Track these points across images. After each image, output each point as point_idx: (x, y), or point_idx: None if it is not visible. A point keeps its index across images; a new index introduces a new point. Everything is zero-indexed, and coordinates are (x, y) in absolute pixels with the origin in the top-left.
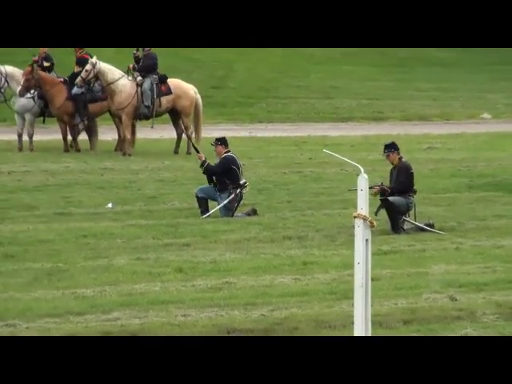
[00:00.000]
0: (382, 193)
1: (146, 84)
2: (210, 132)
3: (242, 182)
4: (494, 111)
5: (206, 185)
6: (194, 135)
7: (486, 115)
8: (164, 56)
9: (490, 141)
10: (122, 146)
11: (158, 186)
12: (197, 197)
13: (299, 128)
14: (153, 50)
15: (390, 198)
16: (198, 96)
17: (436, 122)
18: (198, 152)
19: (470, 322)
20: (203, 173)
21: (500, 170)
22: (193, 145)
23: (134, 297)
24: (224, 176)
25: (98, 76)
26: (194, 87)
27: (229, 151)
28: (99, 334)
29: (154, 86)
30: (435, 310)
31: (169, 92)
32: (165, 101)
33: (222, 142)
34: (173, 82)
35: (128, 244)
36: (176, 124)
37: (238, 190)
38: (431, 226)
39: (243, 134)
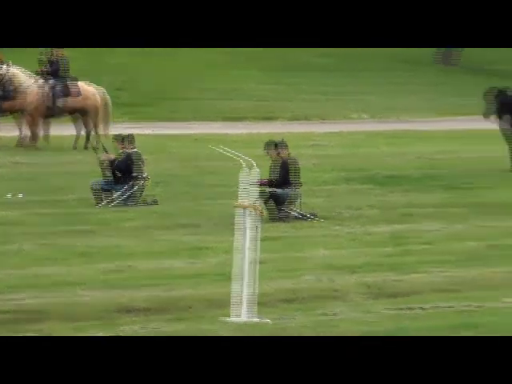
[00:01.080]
0: (270, 184)
1: (57, 86)
2: (117, 130)
3: (144, 176)
4: (370, 112)
5: (104, 177)
6: (102, 133)
7: (364, 115)
8: (75, 59)
9: (366, 139)
10: (24, 142)
11: (68, 178)
12: (92, 189)
13: (198, 126)
14: (65, 53)
15: (277, 190)
16: (108, 97)
17: (319, 122)
18: (106, 152)
19: (344, 301)
20: (111, 171)
21: (373, 165)
22: (102, 145)
23: (40, 279)
24: (128, 170)
25: (11, 78)
26: (103, 89)
27: (134, 147)
28: (4, 314)
29: (63, 87)
30: (314, 290)
31: (78, 93)
32: (74, 101)
33: (128, 139)
34: (82, 84)
35: (35, 230)
36: (85, 123)
37: (141, 182)
38: (313, 215)
39: (146, 131)
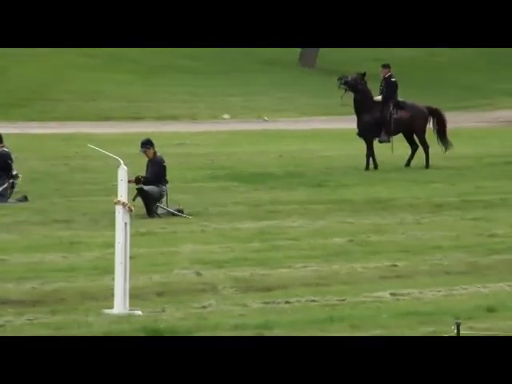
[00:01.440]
0: (138, 181)
1: None
2: None
3: (14, 173)
4: (233, 112)
5: None
6: None
7: (225, 116)
8: None
9: (230, 138)
10: None
11: None
12: None
13: (67, 126)
14: None
15: (145, 187)
16: None
17: (185, 122)
18: None
19: (213, 295)
20: None
21: (238, 163)
22: None
23: None
24: (6, 168)
25: None
26: None
27: (3, 146)
28: None
29: None
30: (184, 283)
31: None
32: None
33: None
34: None
35: None
36: None
37: (11, 180)
38: (181, 211)
39: (16, 131)
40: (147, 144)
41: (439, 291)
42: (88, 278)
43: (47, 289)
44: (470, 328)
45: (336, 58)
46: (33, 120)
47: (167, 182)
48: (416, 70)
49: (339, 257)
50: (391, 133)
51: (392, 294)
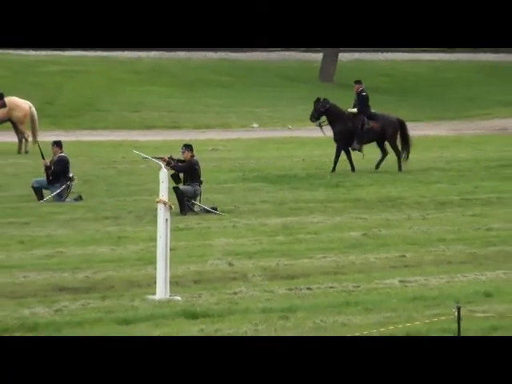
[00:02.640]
0: (168, 162)
1: None
2: (47, 137)
3: (70, 176)
4: (261, 121)
5: (41, 178)
6: (31, 139)
7: (254, 124)
8: (4, 78)
9: (258, 144)
10: None
11: (2, 178)
12: (33, 187)
13: (115, 134)
14: None
15: (181, 187)
16: (33, 109)
17: (218, 130)
18: (43, 158)
19: (243, 282)
20: (48, 173)
21: (265, 166)
22: (40, 150)
23: None
24: (59, 171)
25: None
26: (29, 102)
27: (62, 152)
28: None
29: None
30: (217, 272)
31: (3, 105)
32: (1, 112)
33: (57, 144)
34: (8, 98)
35: None
36: (16, 130)
37: (68, 182)
38: (215, 208)
39: (71, 139)
40: (187, 147)
41: (442, 278)
42: (133, 267)
43: (98, 277)
44: (470, 311)
45: (351, 73)
46: (85, 129)
47: (201, 182)
48: (423, 85)
49: (354, 248)
50: (363, 141)
51: (400, 281)
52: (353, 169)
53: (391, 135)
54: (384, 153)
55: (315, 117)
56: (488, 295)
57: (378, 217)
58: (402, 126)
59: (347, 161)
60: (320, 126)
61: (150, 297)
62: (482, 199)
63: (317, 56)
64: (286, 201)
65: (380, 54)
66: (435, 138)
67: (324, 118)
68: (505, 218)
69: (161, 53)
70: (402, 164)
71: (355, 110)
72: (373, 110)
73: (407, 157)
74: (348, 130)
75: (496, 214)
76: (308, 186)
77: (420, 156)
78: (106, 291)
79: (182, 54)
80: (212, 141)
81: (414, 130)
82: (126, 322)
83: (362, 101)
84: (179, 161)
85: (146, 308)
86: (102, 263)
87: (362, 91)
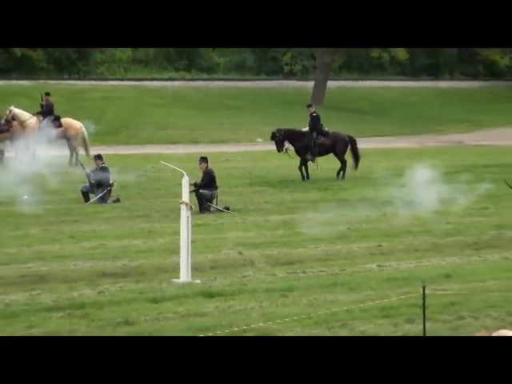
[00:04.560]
0: (194, 185)
1: (45, 121)
2: (95, 151)
3: (111, 182)
4: (265, 137)
5: (87, 183)
6: (81, 153)
7: (259, 139)
8: (58, 104)
9: (262, 156)
10: None
11: (57, 185)
12: (81, 191)
13: (145, 148)
14: (50, 99)
15: (200, 190)
16: (84, 129)
17: (230, 144)
18: (83, 168)
19: (251, 268)
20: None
21: (268, 174)
22: (80, 162)
23: (42, 254)
24: (100, 179)
25: (13, 117)
26: (80, 123)
27: (103, 163)
28: (17, 278)
29: (51, 122)
30: (230, 260)
31: (60, 125)
32: (58, 132)
33: (99, 157)
34: (64, 119)
35: (37, 221)
36: (69, 146)
37: (109, 187)
38: (227, 208)
39: (110, 152)
40: (203, 159)
41: (411, 263)
42: (161, 256)
43: (133, 265)
44: (433, 289)
45: (338, 98)
46: (121, 144)
47: (217, 187)
48: (394, 107)
49: (340, 239)
50: (315, 154)
51: (378, 266)
52: (308, 177)
53: (340, 150)
54: (342, 166)
55: (280, 147)
56: (447, 276)
57: (360, 214)
58: (352, 142)
59: (299, 169)
60: (286, 151)
61: (175, 280)
62: (442, 199)
63: (310, 83)
64: (285, 201)
65: (360, 82)
66: (405, 149)
67: (287, 145)
68: (460, 214)
69: (183, 82)
70: (351, 171)
71: (307, 129)
72: (326, 129)
73: (356, 167)
74: (305, 144)
75: (453, 212)
76: (303, 189)
77: (393, 164)
78: (139, 276)
79: (200, 83)
80: (225, 153)
81: (388, 143)
82: (156, 300)
83: (314, 121)
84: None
85: (171, 289)
86: (135, 253)
87: (314, 113)
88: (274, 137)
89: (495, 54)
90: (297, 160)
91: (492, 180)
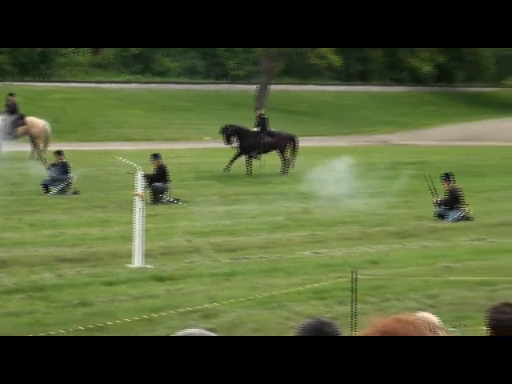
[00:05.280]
0: (147, 178)
1: (9, 119)
2: (53, 148)
3: (70, 175)
4: (212, 135)
5: (48, 177)
6: (44, 149)
7: (207, 138)
8: (22, 104)
9: (210, 152)
10: None
11: (18, 177)
12: (42, 184)
13: (104, 145)
14: (14, 99)
15: (154, 184)
16: (48, 127)
17: (180, 142)
18: (44, 162)
19: (198, 254)
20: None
21: (214, 169)
22: (42, 157)
23: (4, 240)
24: (60, 173)
25: None
26: (43, 121)
27: (64, 158)
28: None
29: (15, 120)
30: (179, 247)
31: (24, 124)
32: (22, 129)
33: (59, 153)
34: (28, 117)
35: (3, 210)
36: (32, 142)
37: (69, 180)
38: (178, 200)
39: (71, 148)
40: (156, 156)
41: (342, 250)
42: (116, 243)
43: (90, 251)
44: (362, 274)
45: (280, 100)
46: (81, 141)
47: (169, 180)
48: (329, 109)
49: (280, 229)
50: (261, 152)
51: (313, 253)
52: (250, 172)
53: (282, 147)
54: (286, 162)
55: (227, 141)
56: (374, 263)
57: (297, 205)
58: (293, 141)
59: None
60: (232, 146)
61: (129, 265)
62: (370, 192)
63: (253, 87)
64: (229, 194)
65: (300, 86)
66: (338, 147)
67: (233, 139)
68: (385, 206)
69: (138, 84)
70: (290, 169)
71: (256, 129)
72: (272, 129)
73: (293, 165)
74: (250, 143)
75: (380, 204)
76: (246, 183)
77: (328, 161)
78: (96, 261)
79: (154, 86)
80: (176, 150)
81: (324, 142)
82: (111, 284)
83: (262, 122)
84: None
85: (125, 274)
86: (92, 240)
87: (262, 114)
88: (223, 131)
89: (418, 62)
90: (241, 158)
91: (414, 176)
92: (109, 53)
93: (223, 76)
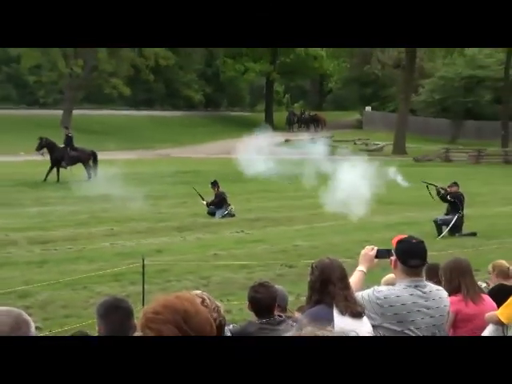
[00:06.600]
0: None
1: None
2: None
3: None
4: (26, 151)
5: None
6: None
7: (22, 153)
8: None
9: (23, 164)
10: None
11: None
12: None
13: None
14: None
15: None
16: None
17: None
18: None
19: (13, 246)
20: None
21: (26, 176)
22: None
23: None
24: None
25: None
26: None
27: None
28: None
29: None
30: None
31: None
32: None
33: None
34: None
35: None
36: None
37: None
38: None
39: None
40: None
41: (133, 242)
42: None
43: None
44: (150, 260)
45: (81, 122)
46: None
47: None
48: (120, 129)
49: (84, 225)
50: (68, 164)
51: (111, 244)
52: (58, 180)
53: (86, 160)
54: (88, 171)
55: (39, 149)
56: (159, 251)
57: (97, 206)
58: (93, 155)
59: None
60: (42, 154)
61: None
62: (156, 195)
63: (59, 111)
64: (40, 197)
65: (96, 110)
66: (126, 159)
67: (44, 150)
68: (168, 206)
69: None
70: (92, 177)
71: (63, 145)
72: (77, 145)
73: (95, 173)
74: (59, 156)
75: (162, 204)
76: (55, 189)
77: (119, 169)
78: None
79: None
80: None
81: (115, 156)
82: None
83: (68, 140)
84: None
85: None
86: None
87: (68, 134)
88: (40, 139)
89: (191, 92)
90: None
91: (188, 182)
92: None
93: (34, 103)
